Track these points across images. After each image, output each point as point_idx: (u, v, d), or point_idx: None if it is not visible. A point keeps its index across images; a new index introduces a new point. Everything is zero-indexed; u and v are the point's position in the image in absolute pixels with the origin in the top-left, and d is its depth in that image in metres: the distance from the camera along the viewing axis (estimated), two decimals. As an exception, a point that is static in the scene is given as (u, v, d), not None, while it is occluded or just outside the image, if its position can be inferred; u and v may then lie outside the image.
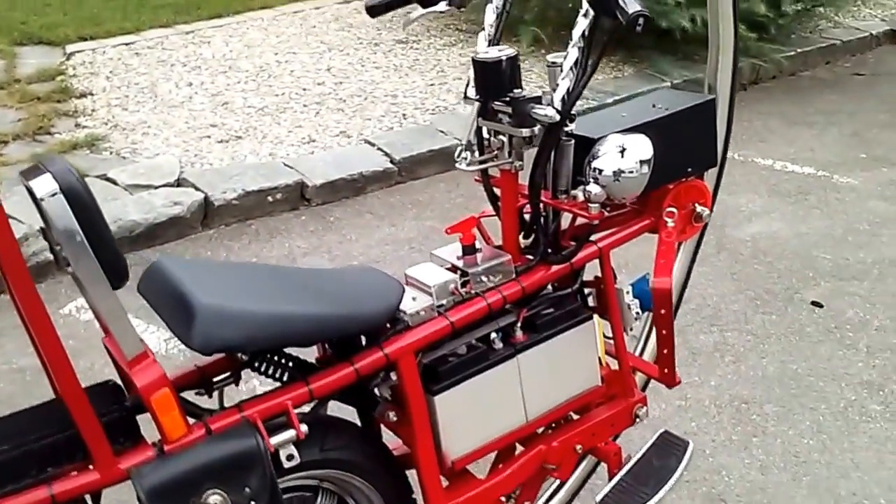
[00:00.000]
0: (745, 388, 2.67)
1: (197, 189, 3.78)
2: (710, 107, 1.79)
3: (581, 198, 1.63)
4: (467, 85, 1.70)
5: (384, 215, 3.85)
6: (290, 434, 1.39)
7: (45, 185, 1.20)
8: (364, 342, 1.54)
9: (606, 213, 1.69)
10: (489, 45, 1.71)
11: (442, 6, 1.84)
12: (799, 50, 5.90)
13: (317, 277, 1.63)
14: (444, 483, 1.64)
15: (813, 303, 3.13)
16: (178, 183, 3.90)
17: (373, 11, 1.91)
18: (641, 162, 1.58)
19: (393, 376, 1.57)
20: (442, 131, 4.45)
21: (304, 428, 1.41)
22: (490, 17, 1.73)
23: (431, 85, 5.18)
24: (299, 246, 3.60)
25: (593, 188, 1.58)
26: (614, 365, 1.84)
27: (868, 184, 4.13)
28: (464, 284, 1.60)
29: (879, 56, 6.13)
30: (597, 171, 1.58)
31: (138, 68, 5.54)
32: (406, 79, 5.30)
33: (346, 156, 4.20)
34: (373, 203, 3.97)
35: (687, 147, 1.74)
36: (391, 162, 4.16)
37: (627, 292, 1.80)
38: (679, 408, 2.57)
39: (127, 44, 5.99)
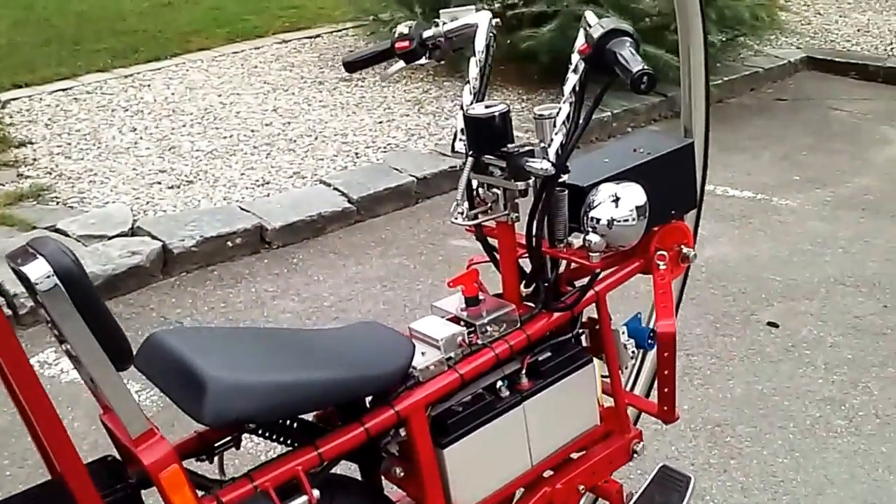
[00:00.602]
0: (716, 411, 2.74)
1: (154, 237, 3.72)
2: (689, 150, 1.84)
3: (576, 245, 1.67)
4: (454, 138, 1.73)
5: (349, 254, 3.84)
6: (302, 500, 1.37)
7: (38, 269, 1.15)
8: (371, 400, 1.53)
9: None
10: (474, 98, 1.74)
11: (423, 60, 1.87)
12: (725, 78, 6.08)
13: (323, 339, 1.62)
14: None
15: (769, 323, 3.23)
16: (133, 232, 3.83)
17: (351, 67, 1.92)
18: (638, 209, 1.61)
19: (401, 432, 1.56)
20: (396, 169, 4.47)
21: (315, 493, 1.39)
22: (473, 70, 1.75)
23: (380, 122, 5.20)
24: (266, 289, 3.56)
25: (593, 237, 1.60)
26: (608, 401, 1.87)
27: (805, 205, 4.28)
28: (469, 335, 1.62)
29: (798, 82, 6.36)
30: (595, 221, 1.60)
31: (78, 114, 5.44)
32: (354, 117, 5.31)
33: (303, 197, 4.18)
34: (335, 243, 3.96)
35: (670, 190, 1.78)
36: (349, 201, 4.16)
37: (623, 332, 1.84)
38: (656, 431, 2.61)
39: (64, 90, 5.88)
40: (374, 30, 6.53)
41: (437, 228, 4.07)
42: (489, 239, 1.77)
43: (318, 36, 7.21)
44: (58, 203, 4.20)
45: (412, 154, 4.72)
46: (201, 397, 1.28)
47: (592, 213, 1.60)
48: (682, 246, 1.83)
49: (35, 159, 4.74)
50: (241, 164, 4.64)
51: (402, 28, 1.82)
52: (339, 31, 7.27)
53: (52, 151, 4.84)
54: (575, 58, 1.56)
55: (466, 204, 1.71)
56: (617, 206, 1.59)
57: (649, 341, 1.89)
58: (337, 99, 5.65)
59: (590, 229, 1.61)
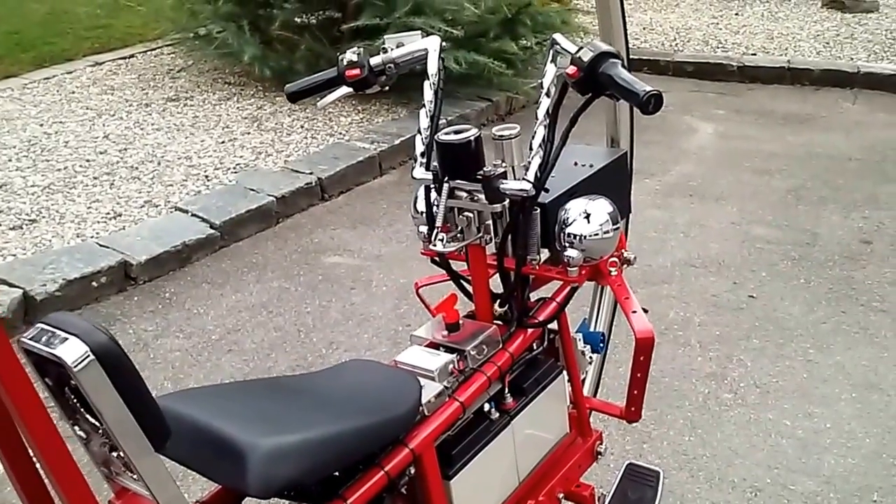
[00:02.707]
0: (615, 399, 2.79)
1: (11, 285, 3.32)
2: (625, 159, 1.86)
3: (542, 260, 1.64)
4: (417, 165, 1.64)
5: (223, 283, 3.60)
6: None
7: (74, 351, 1.00)
8: None
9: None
10: (431, 121, 1.66)
11: (374, 89, 1.76)
12: (538, 80, 6.28)
13: (329, 385, 1.48)
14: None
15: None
16: (-17, 280, 3.40)
17: (295, 97, 1.78)
18: (612, 220, 1.59)
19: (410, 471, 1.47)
20: (252, 189, 4.25)
21: None
22: (428, 93, 1.67)
23: (222, 142, 4.93)
24: (145, 329, 3.27)
25: (572, 252, 1.57)
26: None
27: (639, 195, 4.47)
28: (458, 362, 1.54)
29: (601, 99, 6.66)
30: (572, 237, 1.58)
31: None
32: (193, 138, 5.00)
33: (162, 226, 3.88)
34: (205, 272, 3.70)
35: (614, 200, 1.79)
36: (211, 227, 3.90)
37: (579, 340, 1.83)
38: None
39: None
40: (194, 47, 6.20)
41: (306, 248, 3.91)
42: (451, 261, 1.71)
43: (132, 56, 6.76)
44: None
45: (264, 173, 4.50)
46: (244, 468, 1.14)
47: (570, 230, 1.57)
48: (623, 251, 1.85)
49: None
50: (85, 196, 4.24)
51: (351, 55, 1.71)
52: (154, 49, 6.85)
53: None
54: (547, 81, 1.52)
55: (426, 228, 1.64)
56: (590, 222, 1.57)
57: (601, 344, 1.90)
58: (169, 121, 5.31)
59: (567, 245, 1.58)
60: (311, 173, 4.44)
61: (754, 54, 6.60)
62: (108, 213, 4.05)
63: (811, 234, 3.91)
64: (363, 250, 3.88)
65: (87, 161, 4.69)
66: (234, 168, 4.59)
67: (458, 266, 1.73)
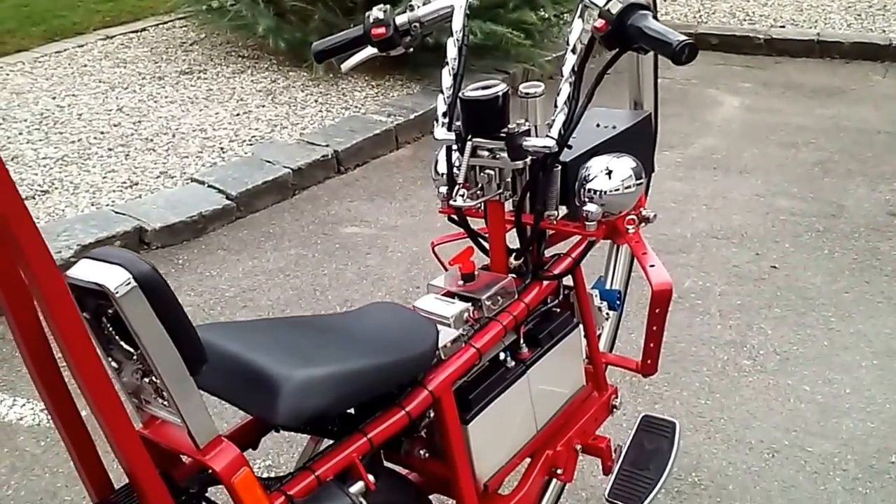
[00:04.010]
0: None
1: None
2: (648, 121, 1.94)
3: (559, 215, 1.72)
4: (439, 125, 1.72)
5: (239, 250, 3.72)
6: (359, 486, 1.37)
7: (117, 278, 1.08)
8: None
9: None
10: (454, 80, 1.74)
11: (399, 50, 1.84)
12: (555, 54, 6.34)
13: (354, 324, 1.58)
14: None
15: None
16: (-3, 248, 3.52)
17: (321, 56, 1.87)
18: (635, 176, 1.68)
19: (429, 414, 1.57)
20: (268, 161, 4.36)
21: (371, 478, 1.39)
22: (452, 51, 1.75)
23: (237, 115, 5.04)
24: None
25: (591, 207, 1.66)
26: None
27: (661, 167, 4.51)
28: (473, 310, 1.63)
29: (623, 61, 6.71)
30: (594, 193, 1.66)
31: None
32: (208, 111, 5.11)
33: (178, 197, 4.00)
34: (221, 241, 3.82)
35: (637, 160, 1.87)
36: (227, 198, 4.01)
37: (595, 296, 1.92)
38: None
39: None
40: (206, 20, 6.31)
41: (323, 218, 4.02)
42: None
43: (144, 29, 6.87)
44: None
45: (280, 145, 4.61)
46: (275, 398, 1.24)
47: (590, 185, 1.66)
48: (641, 209, 1.93)
49: None
50: (100, 167, 4.36)
51: (377, 13, 1.79)
52: (167, 22, 6.96)
53: None
54: (573, 37, 1.59)
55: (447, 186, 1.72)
56: (612, 178, 1.66)
57: (617, 302, 1.99)
58: (183, 94, 5.43)
59: (587, 200, 1.66)
60: (326, 146, 4.55)
61: (783, 27, 6.63)
62: (125, 183, 4.18)
63: (837, 206, 3.97)
64: (379, 221, 3.98)
65: (102, 133, 4.81)
66: (250, 140, 4.70)
67: (476, 225, 1.82)
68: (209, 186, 4.10)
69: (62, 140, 4.73)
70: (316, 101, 5.28)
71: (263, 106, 5.19)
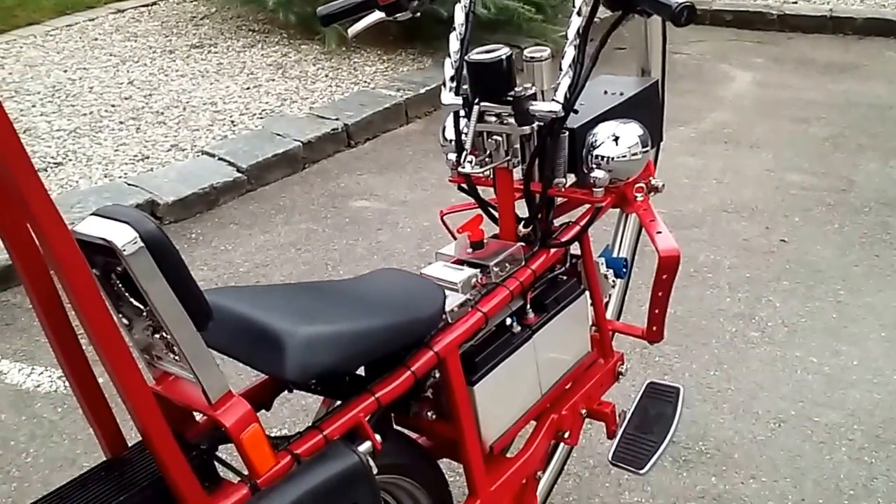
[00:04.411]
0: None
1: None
2: (656, 88, 1.94)
3: (567, 183, 1.73)
4: (446, 90, 1.72)
5: (251, 224, 3.74)
6: (367, 446, 1.38)
7: (124, 235, 1.10)
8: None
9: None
10: (461, 45, 1.74)
11: (406, 15, 1.84)
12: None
13: (361, 288, 1.60)
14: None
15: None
16: (10, 219, 3.55)
17: (327, 20, 1.87)
18: (642, 143, 1.68)
19: (435, 374, 1.59)
20: (278, 134, 4.37)
21: (378, 438, 1.41)
22: (459, 16, 1.75)
23: (247, 89, 5.05)
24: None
25: (599, 174, 1.66)
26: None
27: (673, 143, 4.54)
28: (481, 276, 1.65)
29: (633, 30, 6.67)
30: (601, 159, 1.66)
31: None
32: (218, 85, 5.12)
33: (190, 170, 4.02)
34: (233, 214, 3.84)
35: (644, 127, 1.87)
36: (238, 171, 4.03)
37: (602, 264, 1.93)
38: (594, 363, 2.75)
39: None
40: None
41: (333, 192, 4.03)
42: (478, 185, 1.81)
43: (154, 3, 6.87)
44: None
45: (290, 119, 4.62)
46: (283, 354, 1.26)
47: (598, 152, 1.66)
48: (650, 178, 1.94)
49: None
50: (112, 140, 4.38)
51: None
52: (177, -3, 6.96)
53: None
54: (578, 1, 1.59)
55: (455, 156, 1.72)
56: (619, 144, 1.66)
57: (624, 269, 2.00)
58: (194, 67, 5.43)
59: (594, 166, 1.67)
60: (336, 119, 4.55)
61: (795, 2, 6.57)
62: (136, 156, 4.20)
63: (847, 180, 3.96)
64: (389, 195, 3.99)
65: (113, 106, 4.83)
66: (260, 114, 4.70)
67: (486, 195, 1.83)
68: (220, 159, 4.11)
69: (74, 113, 4.75)
70: (326, 75, 5.27)
71: (274, 80, 5.19)
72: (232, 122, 4.60)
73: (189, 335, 1.18)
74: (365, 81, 5.16)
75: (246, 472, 1.29)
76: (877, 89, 5.05)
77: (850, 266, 3.27)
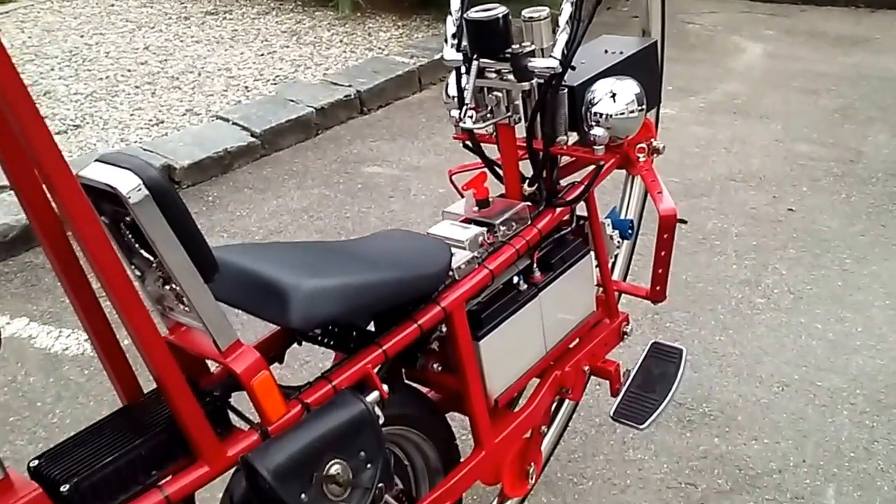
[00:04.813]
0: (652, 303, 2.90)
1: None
2: (654, 49, 1.93)
3: (570, 142, 1.73)
4: (448, 46, 1.72)
5: (264, 188, 3.75)
6: (375, 396, 1.40)
7: (127, 182, 1.11)
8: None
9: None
10: (462, 4, 1.74)
11: None
12: (582, -2, 6.26)
13: (368, 246, 1.62)
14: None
15: (678, 220, 3.42)
16: (30, 180, 3.57)
17: None
18: (638, 101, 1.69)
19: (441, 329, 1.60)
20: (292, 100, 4.37)
21: (385, 388, 1.43)
22: None
23: (262, 55, 5.04)
24: (189, 229, 3.44)
25: (598, 131, 1.67)
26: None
27: (683, 112, 4.52)
28: (488, 235, 1.66)
29: (649, -2, 6.62)
30: (599, 116, 1.67)
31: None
32: (233, 51, 5.11)
33: (205, 134, 4.03)
34: (247, 178, 3.85)
35: (643, 87, 1.87)
36: (252, 135, 4.03)
37: (608, 225, 1.94)
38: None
39: None
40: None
41: (346, 158, 4.03)
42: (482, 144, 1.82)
43: (170, -29, 6.83)
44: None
45: (303, 85, 4.61)
46: (287, 303, 1.29)
47: (596, 109, 1.67)
48: (651, 140, 1.93)
49: None
50: (128, 104, 4.39)
51: None
52: (193, -35, 6.92)
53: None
54: None
55: (458, 112, 1.73)
56: (616, 101, 1.66)
57: (629, 231, 2.00)
58: (209, 34, 5.42)
59: (593, 124, 1.67)
60: (350, 86, 4.54)
61: (809, -26, 6.49)
62: (151, 120, 4.21)
63: (856, 151, 3.94)
64: (402, 161, 3.99)
65: (129, 71, 4.84)
66: (274, 80, 4.70)
67: (494, 156, 1.83)
68: (234, 124, 4.12)
69: (91, 77, 4.76)
70: (341, 41, 5.26)
71: (288, 46, 5.18)
72: (246, 87, 4.60)
73: (196, 285, 1.20)
74: (379, 48, 5.15)
75: (258, 422, 1.32)
76: (888, 62, 5.00)
77: (856, 235, 3.27)
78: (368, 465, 1.34)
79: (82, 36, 5.38)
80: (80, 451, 1.20)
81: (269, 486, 1.21)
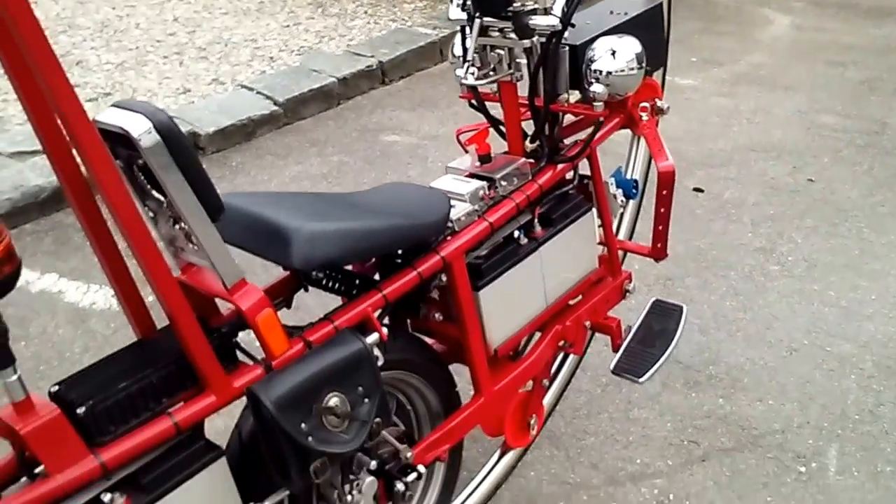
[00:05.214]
0: (664, 268, 2.91)
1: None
2: (660, 9, 1.94)
3: (571, 100, 1.76)
4: (453, 6, 1.75)
5: (286, 155, 3.81)
6: (375, 337, 1.45)
7: (139, 124, 1.17)
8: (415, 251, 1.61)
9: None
10: None
11: None
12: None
13: (369, 196, 1.66)
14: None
15: (695, 189, 3.44)
16: (61, 146, 3.66)
17: None
18: (637, 58, 1.71)
19: (442, 278, 1.65)
20: (315, 70, 4.41)
21: (385, 330, 1.47)
22: None
23: (287, 27, 5.09)
24: (212, 193, 3.51)
25: (597, 88, 1.70)
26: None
27: (706, 83, 4.50)
28: (489, 189, 1.69)
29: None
30: (598, 73, 1.70)
31: (-36, 34, 5.07)
32: (259, 22, 5.16)
33: (230, 102, 4.08)
34: (269, 146, 3.90)
35: (646, 47, 1.88)
36: (275, 104, 4.08)
37: (611, 184, 1.96)
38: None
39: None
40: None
41: (366, 127, 4.07)
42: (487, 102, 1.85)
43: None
44: (-26, 124, 3.97)
45: (327, 56, 4.65)
46: (289, 244, 1.34)
47: (595, 66, 1.70)
48: (656, 100, 1.95)
49: (-68, 82, 4.42)
50: (156, 74, 4.47)
51: None
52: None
53: (-53, 72, 4.52)
54: None
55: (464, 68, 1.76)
56: (616, 58, 1.69)
57: (633, 190, 2.02)
58: (236, 5, 5.48)
59: (593, 80, 1.70)
60: (372, 57, 4.57)
61: (842, -54, 6.39)
62: (178, 89, 4.27)
63: (880, 123, 3.90)
64: (420, 130, 4.02)
65: (158, 41, 4.91)
66: (298, 50, 4.75)
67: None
68: (258, 93, 4.17)
69: (121, 47, 4.83)
70: (365, 12, 5.29)
71: (313, 18, 5.22)
72: (271, 58, 4.65)
73: (203, 223, 1.25)
74: (403, 19, 5.17)
75: (262, 358, 1.37)
76: (919, 34, 4.93)
77: (876, 206, 3.25)
78: (366, 400, 1.38)
79: (114, 7, 5.46)
80: (97, 378, 1.26)
81: (271, 416, 1.27)
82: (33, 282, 2.93)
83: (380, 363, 1.44)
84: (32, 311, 2.74)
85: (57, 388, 1.24)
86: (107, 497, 1.21)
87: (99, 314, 2.80)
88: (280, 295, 1.57)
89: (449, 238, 1.60)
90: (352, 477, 1.50)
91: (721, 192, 3.42)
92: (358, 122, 4.12)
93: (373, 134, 3.99)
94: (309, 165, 3.71)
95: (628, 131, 2.02)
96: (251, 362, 1.39)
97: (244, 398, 1.32)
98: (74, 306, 2.84)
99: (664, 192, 1.88)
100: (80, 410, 1.20)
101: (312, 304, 1.66)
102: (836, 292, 2.76)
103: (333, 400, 1.35)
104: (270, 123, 4.03)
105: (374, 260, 1.65)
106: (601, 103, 1.73)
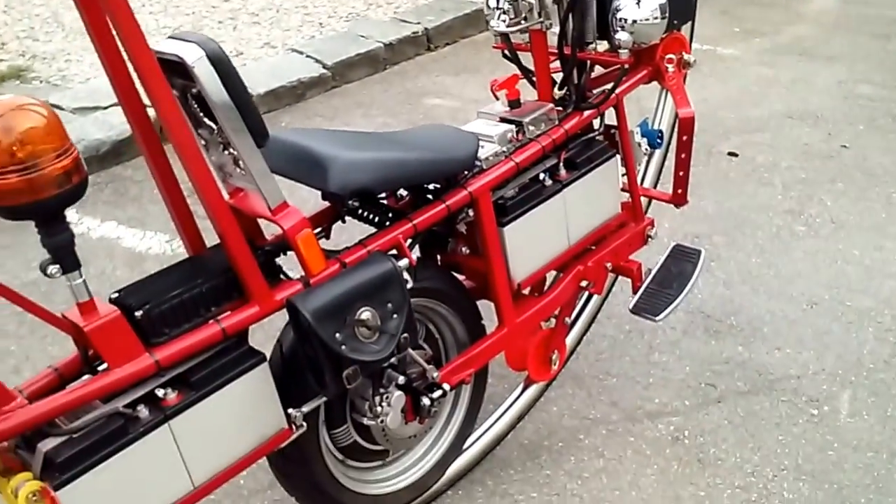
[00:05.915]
0: (694, 226, 3.00)
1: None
2: None
3: (599, 49, 1.86)
4: None
5: (332, 117, 3.95)
6: (404, 262, 1.57)
7: (192, 52, 1.31)
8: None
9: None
10: None
11: None
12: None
13: (405, 135, 1.79)
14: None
15: (729, 153, 3.50)
16: (120, 104, 3.84)
17: None
18: (661, 8, 1.81)
19: (469, 213, 1.77)
20: (362, 36, 4.54)
21: (414, 256, 1.60)
22: None
23: (337, -7, 5.22)
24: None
25: (622, 35, 1.80)
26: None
27: (747, 53, 4.53)
28: (517, 132, 1.80)
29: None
30: (624, 21, 1.80)
31: (33, 0, 5.30)
32: (311, -11, 5.31)
33: (280, 65, 4.24)
34: (316, 107, 4.05)
35: (672, 1, 1.97)
36: (324, 67, 4.23)
37: (637, 133, 2.06)
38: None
39: (11, -23, 5.68)
40: None
41: (410, 91, 4.19)
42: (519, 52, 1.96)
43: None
44: (41, 82, 4.17)
45: (374, 22, 4.78)
46: (328, 171, 1.48)
47: (620, 14, 1.80)
48: (683, 53, 2.04)
49: (3, 43, 4.65)
50: (211, 37, 4.63)
51: None
52: None
53: (17, 35, 4.75)
54: None
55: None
56: (641, 7, 1.79)
57: (658, 140, 2.12)
58: (289, -26, 5.62)
59: (618, 28, 1.80)
60: (418, 24, 4.68)
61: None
62: (231, 52, 4.41)
63: (920, 93, 3.91)
64: (463, 94, 4.13)
65: (213, 7, 5.07)
66: (347, 17, 4.88)
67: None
68: (308, 57, 4.31)
69: (178, 12, 5.01)
70: (413, -19, 5.39)
71: (362, -15, 5.34)
72: (320, 23, 4.79)
73: (250, 147, 1.39)
74: (451, -13, 5.26)
75: (301, 275, 1.51)
76: (967, 6, 4.88)
77: (907, 172, 3.28)
78: (394, 315, 1.51)
79: (171, -25, 5.64)
80: (153, 286, 1.41)
81: (309, 325, 1.40)
82: (94, 228, 3.11)
83: (409, 286, 1.57)
84: (93, 254, 2.92)
85: (117, 294, 1.39)
86: (160, 392, 1.35)
87: (154, 258, 2.97)
88: (320, 224, 1.70)
89: (476, 175, 1.72)
90: (382, 390, 1.63)
91: (755, 156, 3.47)
92: (403, 86, 4.25)
93: (417, 97, 4.11)
94: (355, 126, 3.84)
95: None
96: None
97: (284, 311, 1.47)
98: (131, 251, 3.01)
99: (684, 138, 1.97)
100: (138, 313, 1.35)
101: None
102: (860, 252, 2.82)
103: (365, 314, 1.47)
104: (319, 86, 4.18)
105: (408, 198, 1.78)
106: (626, 51, 1.83)
